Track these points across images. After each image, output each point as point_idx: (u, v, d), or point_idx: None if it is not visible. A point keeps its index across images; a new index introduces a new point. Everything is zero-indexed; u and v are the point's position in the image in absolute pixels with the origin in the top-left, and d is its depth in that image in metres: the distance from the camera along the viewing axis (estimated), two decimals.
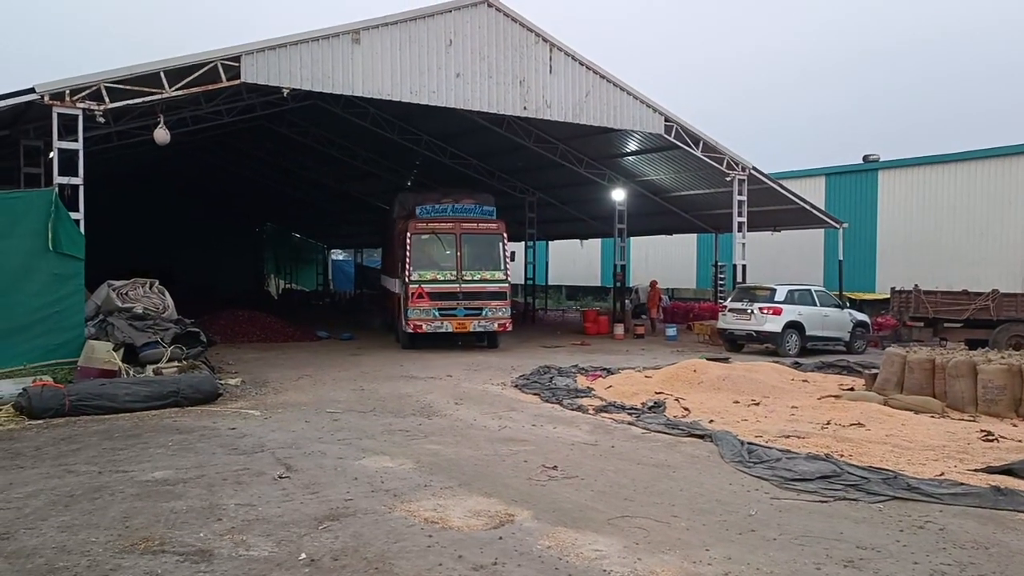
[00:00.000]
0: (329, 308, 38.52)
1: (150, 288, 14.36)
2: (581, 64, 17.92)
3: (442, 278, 18.56)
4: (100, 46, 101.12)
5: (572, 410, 11.13)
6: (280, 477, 7.28)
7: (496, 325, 18.84)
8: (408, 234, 18.67)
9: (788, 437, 9.14)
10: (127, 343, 12.73)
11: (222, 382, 12.65)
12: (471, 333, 18.99)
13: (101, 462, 7.79)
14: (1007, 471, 7.49)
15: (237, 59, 14.17)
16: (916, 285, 18.37)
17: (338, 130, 25.50)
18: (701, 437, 9.08)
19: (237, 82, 14.36)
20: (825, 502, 6.60)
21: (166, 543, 5.43)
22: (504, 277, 18.91)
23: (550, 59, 17.47)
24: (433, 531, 5.73)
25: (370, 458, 8.04)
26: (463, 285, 18.52)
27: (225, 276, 40.87)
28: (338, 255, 54.27)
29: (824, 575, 4.96)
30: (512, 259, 19.33)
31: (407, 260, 18.53)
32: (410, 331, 18.40)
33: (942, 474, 7.51)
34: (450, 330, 18.55)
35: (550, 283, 38.42)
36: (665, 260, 35.71)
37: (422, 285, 18.34)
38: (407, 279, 18.41)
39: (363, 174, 29.79)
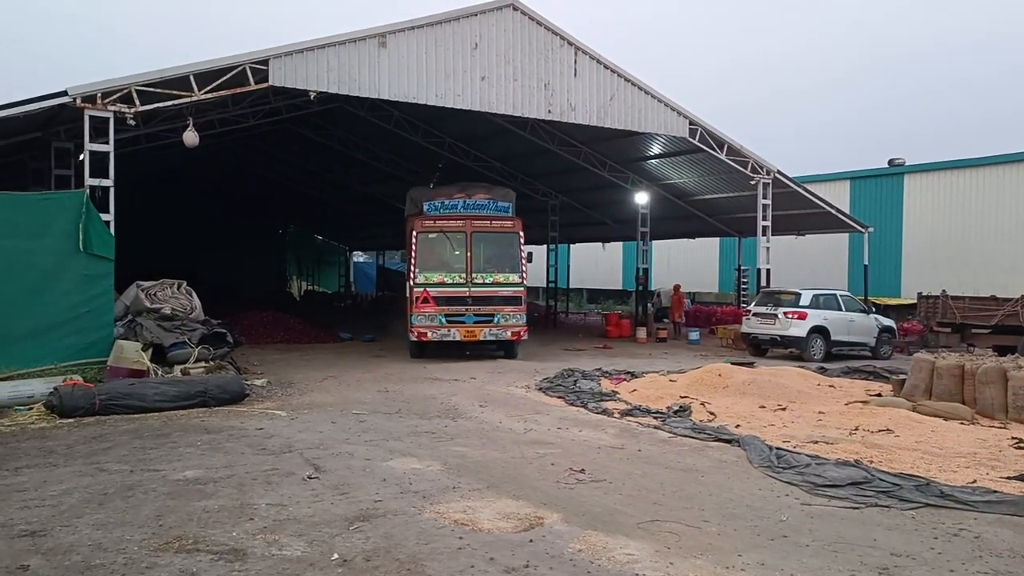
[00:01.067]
0: (351, 310, 38.75)
1: (178, 289, 14.50)
2: (606, 67, 17.90)
3: (450, 281, 17.01)
4: (125, 55, 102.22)
5: (597, 413, 11.12)
6: (309, 478, 7.32)
7: (510, 333, 17.12)
8: (414, 232, 17.17)
9: (816, 443, 9.06)
10: (155, 343, 12.86)
11: (248, 383, 12.74)
12: (482, 342, 17.34)
13: (132, 461, 7.88)
14: None
15: (265, 62, 14.29)
16: (944, 290, 18.20)
17: (361, 133, 25.65)
18: (728, 442, 9.03)
19: (265, 85, 14.49)
20: (857, 508, 6.54)
21: (200, 542, 5.48)
22: (520, 280, 17.27)
23: (575, 62, 17.47)
24: (463, 533, 5.75)
25: (397, 460, 8.07)
26: (473, 289, 16.98)
27: (248, 277, 41.19)
28: (359, 257, 54.54)
29: None
30: (529, 260, 17.60)
31: (412, 261, 17.20)
32: (414, 339, 17.01)
33: (974, 481, 7.43)
34: (458, 338, 16.94)
35: (571, 286, 38.39)
36: (687, 264, 35.57)
37: (427, 288, 16.82)
38: (412, 281, 17.05)
39: (386, 176, 29.93)
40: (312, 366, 16.16)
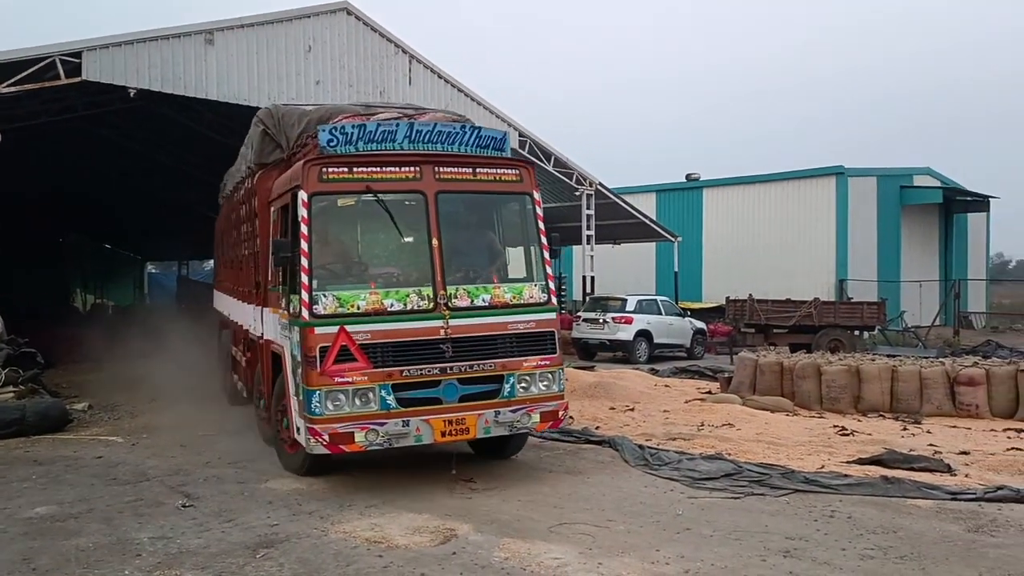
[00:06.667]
0: (145, 323, 35.92)
1: None
2: (439, 76, 17.98)
3: (398, 304, 7.19)
4: None
5: None
6: (184, 506, 6.76)
7: (538, 416, 7.59)
8: (299, 198, 7.13)
9: (675, 439, 9.61)
10: None
11: (68, 407, 11.50)
12: (478, 441, 8.09)
13: None
14: (876, 461, 8.28)
15: (78, 55, 13.05)
16: (750, 294, 19.90)
17: (167, 134, 23.90)
18: (599, 443, 9.35)
19: (78, 80, 13.21)
20: (737, 498, 7.01)
21: None
22: (546, 295, 7.91)
23: (409, 70, 17.40)
24: (381, 551, 5.55)
25: (275, 480, 7.63)
26: (453, 322, 7.26)
27: (25, 291, 37.06)
28: (156, 268, 50.92)
29: (771, 565, 5.29)
30: (555, 255, 8.20)
31: (301, 263, 7.05)
32: (314, 445, 6.88)
33: (823, 467, 8.19)
34: (427, 440, 7.14)
35: None
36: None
37: (346, 326, 6.96)
38: (298, 311, 7.07)
39: (194, 182, 28.11)
40: (131, 386, 14.80)
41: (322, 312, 6.91)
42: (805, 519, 6.37)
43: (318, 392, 6.81)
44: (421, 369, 7.08)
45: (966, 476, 7.80)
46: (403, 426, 6.98)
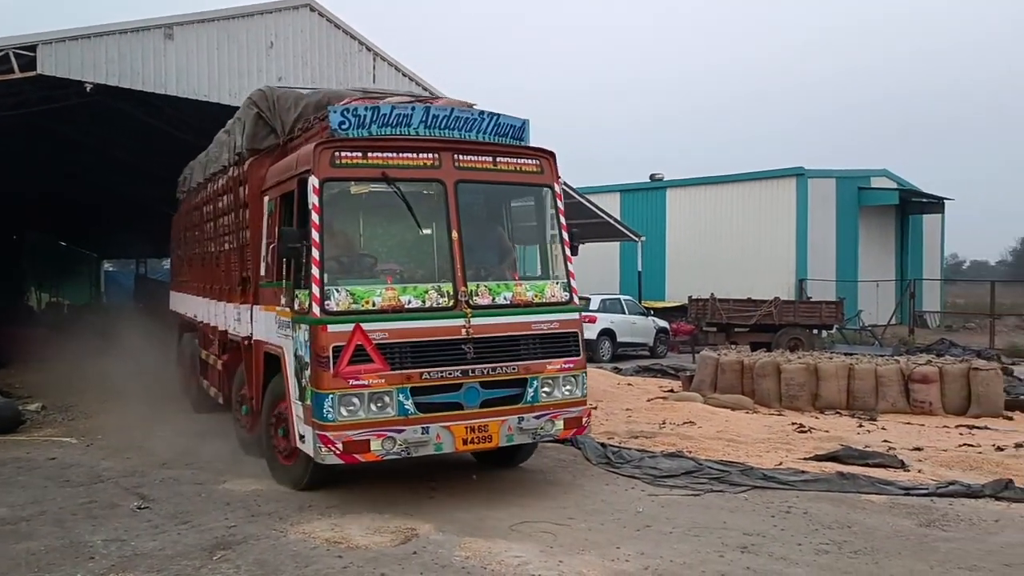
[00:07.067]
0: (101, 323, 35.25)
1: None
2: (404, 75, 17.85)
3: (416, 301, 6.69)
4: None
5: None
6: (139, 508, 6.65)
7: (561, 422, 7.09)
8: (309, 185, 6.59)
9: (637, 437, 9.69)
10: None
11: (21, 407, 11.25)
12: (500, 450, 7.41)
13: None
14: (833, 458, 8.44)
15: (33, 48, 12.70)
16: (712, 294, 20.12)
17: (127, 130, 23.46)
18: (561, 441, 9.36)
19: (33, 73, 12.85)
20: (697, 495, 7.08)
21: None
22: (568, 293, 7.45)
23: (374, 68, 17.27)
24: (341, 552, 5.51)
25: (233, 481, 7.53)
26: (475, 320, 6.79)
27: None
28: (113, 266, 50.02)
29: (728, 561, 5.35)
30: (574, 251, 7.92)
31: (311, 255, 6.48)
32: (326, 454, 6.28)
33: (781, 463, 8.32)
34: (447, 448, 6.62)
35: None
36: None
37: (360, 324, 6.41)
38: (307, 307, 6.53)
39: (154, 179, 27.64)
40: (86, 386, 14.50)
41: (335, 308, 6.34)
42: (763, 515, 6.45)
43: (331, 396, 6.22)
44: (442, 371, 6.53)
45: (919, 472, 7.96)
46: (422, 433, 6.40)
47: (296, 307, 6.65)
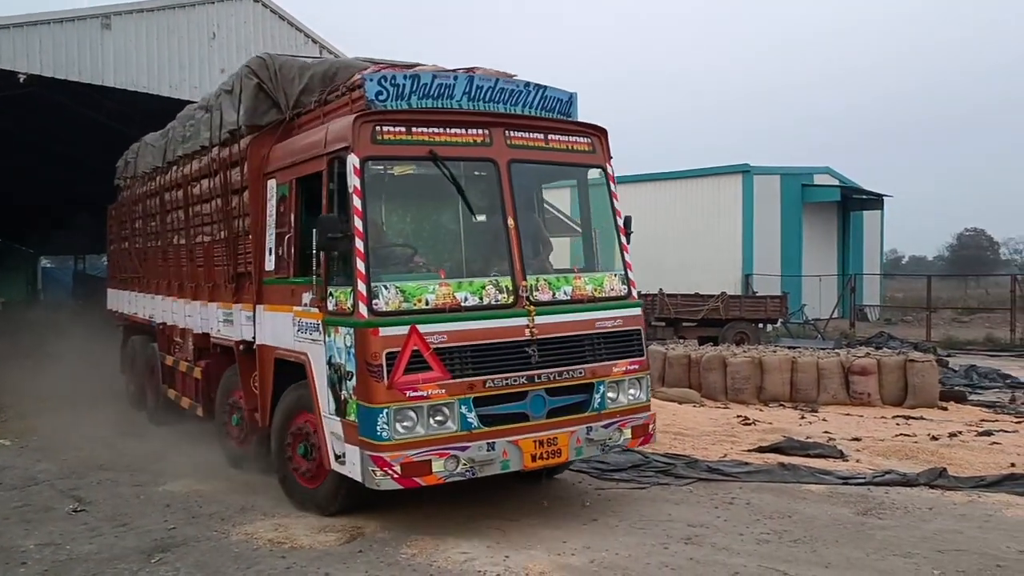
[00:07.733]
0: (38, 321, 34.24)
1: None
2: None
3: (475, 297, 5.82)
4: None
5: None
6: (75, 511, 6.48)
7: (629, 431, 6.42)
8: (349, 165, 5.64)
9: None
10: None
11: None
12: (564, 465, 6.79)
13: None
14: (776, 449, 8.60)
15: None
16: (661, 289, 20.32)
17: (65, 123, 22.77)
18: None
19: None
20: (643, 488, 7.15)
21: None
22: (625, 284, 6.84)
23: None
24: (284, 552, 5.43)
25: (173, 483, 7.37)
26: (539, 319, 5.96)
27: None
28: (51, 263, 48.61)
29: (673, 552, 5.41)
30: (628, 237, 7.24)
31: (354, 246, 5.54)
32: (381, 478, 5.37)
33: (726, 455, 8.45)
34: (515, 466, 5.76)
35: None
36: None
37: (417, 326, 5.50)
38: (350, 307, 5.60)
39: (94, 173, 26.89)
40: (21, 386, 14.03)
41: (384, 308, 5.44)
42: (707, 506, 6.55)
43: (385, 410, 5.31)
44: (507, 378, 5.70)
45: (857, 461, 8.16)
46: (488, 450, 5.56)
47: (333, 307, 5.75)
